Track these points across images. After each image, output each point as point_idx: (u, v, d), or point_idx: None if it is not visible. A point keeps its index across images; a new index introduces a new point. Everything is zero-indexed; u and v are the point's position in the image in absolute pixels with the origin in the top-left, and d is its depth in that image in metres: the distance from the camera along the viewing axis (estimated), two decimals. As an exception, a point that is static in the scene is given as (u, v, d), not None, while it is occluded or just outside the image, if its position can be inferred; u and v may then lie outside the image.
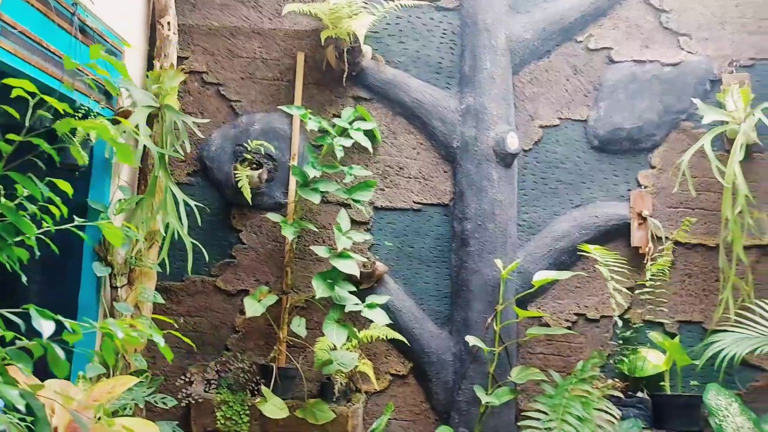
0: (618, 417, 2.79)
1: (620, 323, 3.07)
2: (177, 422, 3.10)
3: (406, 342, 3.18)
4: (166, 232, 2.93)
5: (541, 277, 3.01)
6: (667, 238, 3.21)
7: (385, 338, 3.14)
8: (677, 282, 3.27)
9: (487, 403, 2.93)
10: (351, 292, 3.09)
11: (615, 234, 3.28)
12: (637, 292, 3.19)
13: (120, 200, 3.05)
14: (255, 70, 3.48)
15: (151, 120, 3.06)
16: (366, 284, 3.28)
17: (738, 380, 3.18)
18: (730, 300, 2.99)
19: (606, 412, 2.75)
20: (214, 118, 3.46)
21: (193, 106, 3.48)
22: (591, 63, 3.40)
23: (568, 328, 3.27)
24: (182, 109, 3.43)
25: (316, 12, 3.21)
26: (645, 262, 3.18)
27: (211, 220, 3.39)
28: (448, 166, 3.40)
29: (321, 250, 2.90)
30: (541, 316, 3.28)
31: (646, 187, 3.31)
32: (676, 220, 3.29)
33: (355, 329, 2.95)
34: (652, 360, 3.09)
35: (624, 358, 3.14)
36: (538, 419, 2.74)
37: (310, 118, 2.98)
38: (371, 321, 3.07)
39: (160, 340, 1.79)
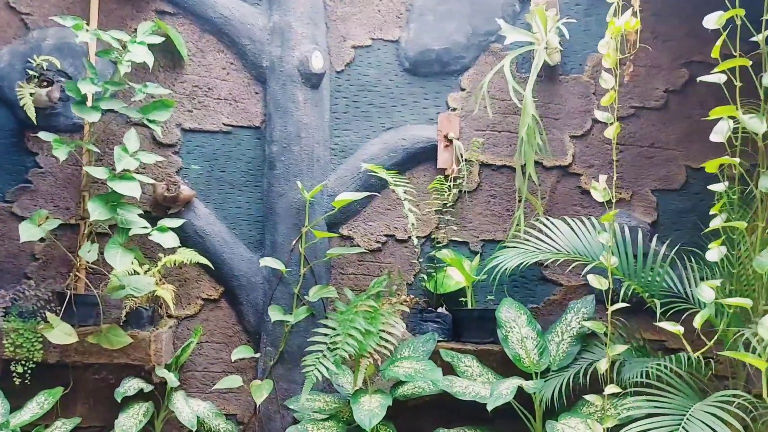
0: (402, 329, 2.90)
1: (416, 242, 3.15)
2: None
3: (211, 266, 3.15)
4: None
5: (339, 198, 3.03)
6: (468, 160, 3.29)
7: (189, 262, 3.10)
8: (483, 203, 3.37)
9: (284, 322, 2.97)
10: (153, 217, 3.03)
11: (423, 156, 3.32)
12: (444, 212, 3.27)
13: None
14: (48, -20, 3.22)
15: None
16: (175, 209, 3.20)
17: (537, 295, 3.36)
18: (521, 217, 3.12)
19: (392, 325, 2.84)
20: (3, 32, 3.20)
21: (-25, 19, 3.19)
22: (402, -18, 3.35)
23: (378, 249, 3.33)
24: (-34, 22, 3.15)
25: None
26: (449, 183, 3.25)
27: (3, 142, 3.18)
28: (259, 88, 3.31)
29: (98, 171, 2.77)
30: (351, 237, 3.32)
31: (455, 109, 3.35)
32: (483, 142, 3.36)
33: (141, 253, 2.88)
34: (454, 277, 3.20)
35: (431, 276, 3.25)
36: (326, 334, 2.80)
37: (87, 30, 2.78)
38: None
39: None
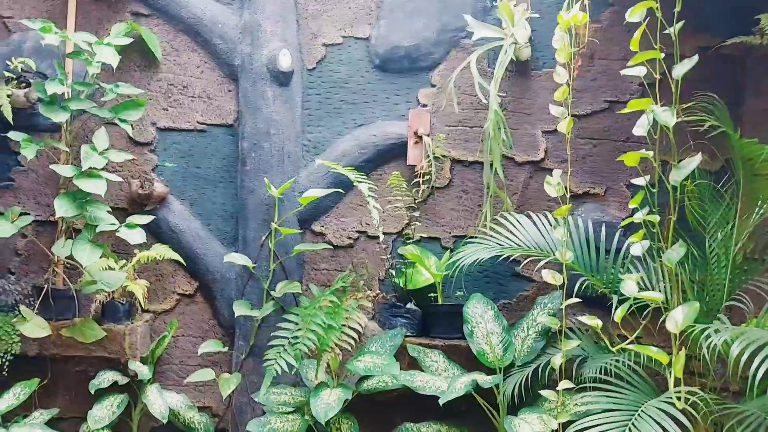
0: (363, 325, 2.93)
1: (382, 238, 3.17)
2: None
3: (183, 262, 3.23)
4: None
5: (306, 194, 3.06)
6: (439, 156, 3.30)
7: (162, 258, 3.17)
8: (454, 199, 3.37)
9: (251, 317, 3.03)
10: (130, 213, 3.12)
11: (393, 153, 3.33)
12: (415, 208, 3.29)
13: None
14: (28, -16, 3.32)
15: None
16: (150, 206, 3.28)
17: (509, 291, 3.36)
18: (489, 212, 3.12)
19: (355, 321, 2.87)
20: (-15, 35, 3.31)
21: (-39, 23, 3.31)
22: (373, -21, 3.37)
23: (350, 245, 3.36)
24: (-49, 26, 3.26)
25: None
26: (418, 180, 3.27)
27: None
28: (232, 86, 3.36)
29: (64, 170, 2.85)
30: (323, 233, 3.36)
31: (425, 105, 3.36)
32: (455, 138, 3.37)
33: (107, 248, 2.96)
34: (424, 273, 3.22)
35: (400, 272, 3.27)
36: (288, 329, 2.84)
37: (55, 33, 2.86)
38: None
39: None
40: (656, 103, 2.26)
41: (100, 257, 2.87)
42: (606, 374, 2.58)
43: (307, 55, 3.35)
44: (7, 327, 3.03)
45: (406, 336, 3.13)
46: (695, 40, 3.06)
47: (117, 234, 2.91)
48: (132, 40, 3.12)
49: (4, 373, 3.01)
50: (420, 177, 3.26)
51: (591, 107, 3.33)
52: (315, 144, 3.37)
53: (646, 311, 2.56)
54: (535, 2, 3.30)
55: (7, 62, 3.14)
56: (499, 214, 3.10)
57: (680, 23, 2.26)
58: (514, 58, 3.23)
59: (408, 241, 3.29)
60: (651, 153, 2.21)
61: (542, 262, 2.73)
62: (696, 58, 2.32)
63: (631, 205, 2.34)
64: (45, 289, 3.08)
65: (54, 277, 3.18)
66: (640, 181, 2.31)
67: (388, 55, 3.32)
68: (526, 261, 3.09)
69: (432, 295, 3.23)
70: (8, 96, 3.06)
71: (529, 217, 3.00)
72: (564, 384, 2.49)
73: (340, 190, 3.23)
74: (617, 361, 2.64)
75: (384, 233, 3.34)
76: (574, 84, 3.27)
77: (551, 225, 2.91)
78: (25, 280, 3.25)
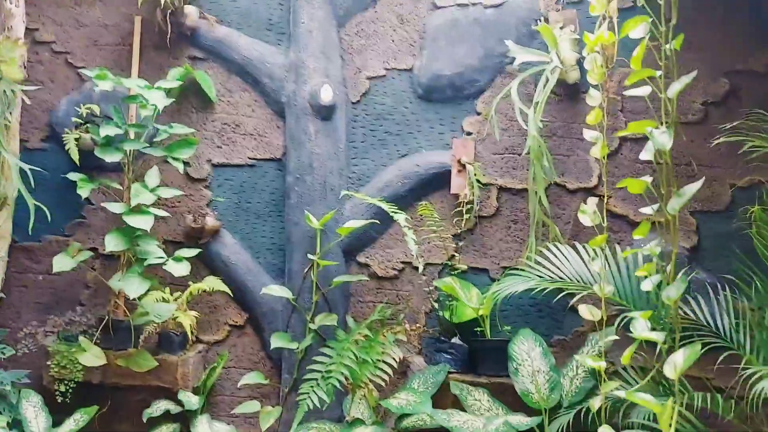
0: (398, 360, 2.84)
1: (421, 269, 3.10)
2: (30, 371, 3.35)
3: (230, 293, 3.30)
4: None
5: (345, 225, 3.06)
6: (483, 184, 3.20)
7: (211, 290, 3.27)
8: (503, 228, 3.25)
9: (292, 349, 3.03)
10: (187, 247, 3.27)
11: (437, 182, 3.27)
12: (461, 238, 3.20)
13: (-44, 167, 3.25)
14: (98, 37, 3.59)
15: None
16: (204, 239, 3.40)
17: (565, 325, 3.17)
18: (533, 243, 2.97)
19: (390, 355, 2.80)
20: (63, 85, 3.60)
21: (44, 75, 3.62)
22: (416, 11, 3.36)
23: (395, 276, 3.31)
24: (35, 79, 3.59)
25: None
26: (461, 209, 3.18)
27: (63, 182, 3.55)
28: (280, 122, 3.45)
29: (115, 207, 3.02)
30: (368, 265, 3.33)
31: (470, 134, 3.28)
32: (502, 165, 3.26)
33: (156, 281, 3.08)
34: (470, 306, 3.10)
35: (446, 305, 3.17)
36: (322, 363, 2.82)
37: (110, 79, 3.07)
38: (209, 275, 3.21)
39: None
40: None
41: (151, 289, 2.98)
42: (654, 420, 2.34)
43: (351, 89, 3.38)
44: (71, 356, 3.22)
45: (450, 372, 3.01)
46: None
47: (164, 267, 3.03)
48: (181, 83, 3.29)
49: (67, 399, 3.19)
50: (463, 206, 3.17)
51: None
52: (359, 176, 3.37)
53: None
54: (584, 22, 3.16)
55: (76, 108, 3.40)
56: (543, 244, 2.95)
57: (679, 37, 2.07)
58: (561, 82, 3.09)
59: (453, 273, 3.19)
60: (650, 179, 2.01)
61: (578, 296, 2.55)
62: (693, 74, 2.14)
63: (635, 236, 2.13)
64: (105, 320, 3.25)
65: (115, 308, 3.35)
66: (647, 210, 2.11)
67: (431, 85, 3.28)
68: (582, 294, 2.91)
69: (478, 329, 3.10)
70: (76, 139, 3.32)
71: (573, 247, 2.82)
72: (604, 430, 2.27)
73: (376, 221, 3.21)
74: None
75: (429, 264, 3.28)
76: (629, 106, 3.11)
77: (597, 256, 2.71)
78: (92, 312, 3.45)
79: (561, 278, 2.70)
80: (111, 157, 3.05)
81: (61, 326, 3.35)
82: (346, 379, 2.70)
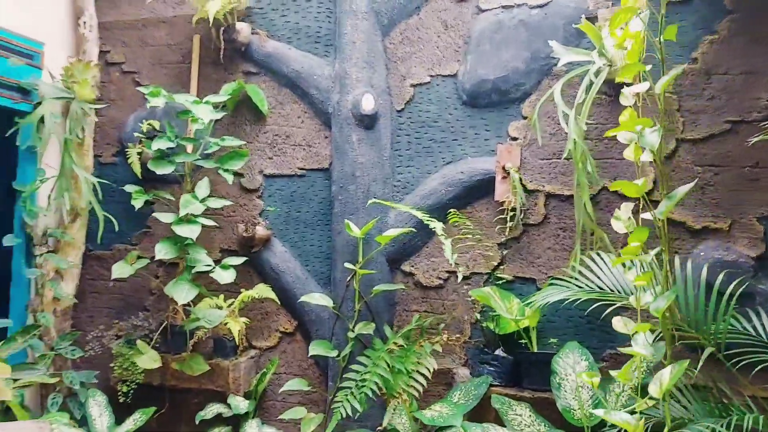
0: (432, 370, 2.78)
1: (460, 278, 3.02)
2: (99, 372, 3.58)
3: (277, 301, 3.37)
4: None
5: (385, 234, 3.04)
6: (529, 190, 3.08)
7: (260, 297, 3.35)
8: (551, 236, 3.12)
9: (331, 357, 3.05)
10: (236, 254, 3.38)
11: (481, 189, 3.19)
12: (508, 247, 3.10)
13: (36, 181, 3.53)
14: (162, 56, 3.80)
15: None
16: (256, 248, 3.50)
17: (618, 338, 2.99)
18: (578, 251, 2.83)
19: (425, 366, 2.75)
20: (130, 103, 3.84)
21: (115, 94, 3.88)
22: (461, 16, 3.31)
23: (440, 285, 3.26)
24: (107, 98, 3.86)
25: (186, -3, 3.47)
26: (505, 216, 3.08)
27: (131, 195, 3.78)
28: (328, 132, 3.49)
29: (165, 217, 3.16)
30: (412, 274, 3.30)
31: (516, 139, 3.18)
32: (549, 171, 3.13)
33: (203, 288, 3.19)
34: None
35: (490, 315, 3.09)
36: (358, 372, 2.81)
37: (163, 95, 3.23)
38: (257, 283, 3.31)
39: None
40: None
41: (201, 296, 3.10)
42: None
43: (396, 97, 3.38)
44: (131, 359, 3.40)
45: (493, 385, 2.93)
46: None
47: (211, 275, 3.14)
48: (229, 97, 3.41)
49: (128, 400, 3.37)
50: (507, 213, 3.07)
51: (709, 130, 2.89)
52: (404, 184, 3.35)
53: None
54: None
55: (139, 124, 3.61)
56: (587, 253, 2.80)
57: (669, 28, 1.90)
58: (611, 81, 2.94)
59: (497, 282, 3.10)
60: (642, 180, 1.85)
61: (612, 307, 2.39)
62: (682, 67, 1.96)
63: (631, 242, 1.95)
64: (164, 325, 3.42)
65: (174, 314, 3.51)
66: (647, 215, 1.94)
67: (475, 90, 3.21)
68: (617, 305, 2.74)
69: (523, 341, 2.99)
70: (138, 154, 3.52)
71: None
72: (641, 451, 2.12)
73: (413, 229, 3.17)
74: (726, 426, 2.20)
75: (474, 273, 3.20)
76: (686, 105, 2.92)
77: (644, 266, 2.54)
78: (154, 317, 3.63)
79: (601, 288, 2.55)
80: (162, 170, 3.21)
81: (126, 330, 3.54)
82: (380, 388, 2.68)
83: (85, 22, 3.79)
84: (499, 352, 3.00)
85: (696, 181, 2.02)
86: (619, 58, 2.91)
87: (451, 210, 3.11)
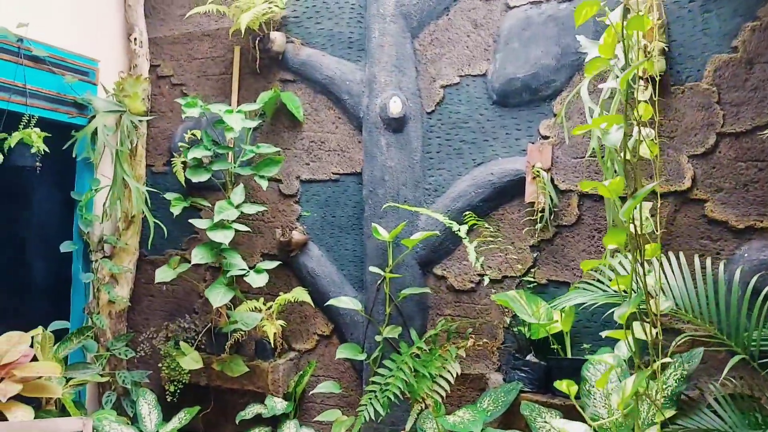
0: (456, 374, 2.74)
1: (486, 282, 2.96)
2: (151, 372, 3.77)
3: (312, 304, 3.42)
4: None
5: (413, 237, 3.03)
6: (561, 190, 2.98)
7: (295, 300, 3.41)
8: (585, 238, 3.01)
9: (361, 360, 3.06)
10: (275, 258, 3.48)
11: (512, 190, 3.12)
12: (541, 249, 3.02)
13: (90, 190, 3.75)
14: (207, 68, 3.95)
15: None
16: (294, 252, 3.58)
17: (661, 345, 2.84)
18: (607, 253, 2.71)
19: (448, 371, 2.72)
20: (179, 114, 4.00)
21: (165, 106, 4.06)
22: (490, 14, 3.24)
23: (472, 289, 3.21)
24: (158, 110, 4.05)
25: (221, 10, 3.58)
26: (535, 218, 3.00)
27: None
28: (360, 136, 3.51)
29: (201, 223, 3.27)
30: (444, 277, 3.27)
31: (547, 137, 3.08)
32: (583, 170, 3.02)
33: (239, 292, 3.29)
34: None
35: (522, 320, 3.01)
36: (383, 375, 2.81)
37: (200, 106, 3.35)
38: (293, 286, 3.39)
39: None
40: None
41: (237, 299, 3.20)
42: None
43: (426, 99, 3.36)
44: (178, 358, 3.55)
45: (523, 391, 2.85)
46: None
47: (245, 278, 3.23)
48: (261, 105, 3.50)
49: (175, 399, 3.52)
50: (536, 214, 2.99)
51: (753, 122, 2.70)
52: (435, 187, 3.33)
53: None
54: (672, 7, 2.85)
55: (183, 134, 3.76)
56: (621, 254, 2.68)
57: (632, 20, 1.76)
58: (646, 75, 2.80)
59: (529, 286, 3.02)
60: (614, 180, 1.73)
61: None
62: (642, 60, 1.81)
63: (607, 244, 1.82)
64: (207, 327, 3.55)
65: (218, 317, 3.64)
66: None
67: (505, 89, 3.15)
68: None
69: (555, 347, 2.90)
70: (182, 163, 3.67)
71: (667, 257, 2.53)
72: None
73: (437, 232, 3.14)
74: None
75: (506, 277, 3.14)
76: (727, 97, 2.75)
77: (673, 270, 2.41)
78: (201, 320, 3.78)
79: (626, 292, 2.43)
80: (198, 178, 3.34)
81: (175, 332, 3.70)
82: (403, 393, 2.67)
83: (135, 39, 3.99)
84: (530, 357, 2.92)
85: (657, 183, 1.85)
86: (653, 49, 2.78)
87: (468, 212, 3.06)
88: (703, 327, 2.29)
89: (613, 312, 2.51)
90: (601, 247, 2.98)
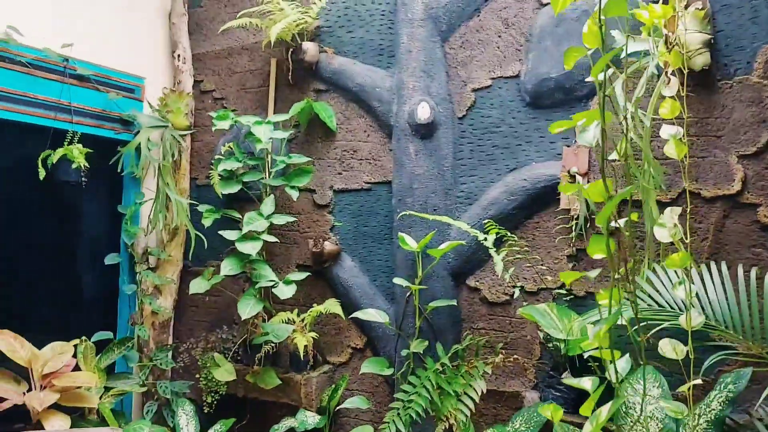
0: (480, 392, 2.58)
1: (517, 294, 2.79)
2: (192, 383, 3.81)
3: (343, 316, 3.35)
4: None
5: (440, 247, 2.91)
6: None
7: (325, 312, 3.35)
8: (627, 247, 2.79)
9: (388, 375, 2.96)
10: (309, 269, 3.44)
11: (546, 197, 2.94)
12: (575, 259, 2.84)
13: (134, 204, 3.85)
14: (246, 81, 3.99)
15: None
16: (327, 263, 3.53)
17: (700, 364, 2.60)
18: (645, 263, 2.49)
19: (473, 388, 2.57)
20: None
21: (208, 120, 4.13)
22: (522, 12, 3.09)
23: (507, 302, 3.05)
24: (201, 124, 4.12)
25: (258, 24, 3.60)
26: (571, 226, 2.81)
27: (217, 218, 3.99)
28: (392, 144, 3.43)
29: (230, 234, 3.27)
30: (478, 289, 3.12)
31: (583, 140, 2.89)
32: (622, 174, 2.81)
33: (268, 303, 3.25)
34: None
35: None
36: (406, 392, 2.70)
37: (230, 118, 3.37)
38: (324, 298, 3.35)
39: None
40: None
41: (268, 311, 3.18)
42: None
43: (457, 104, 3.24)
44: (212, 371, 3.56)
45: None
46: None
47: (273, 290, 3.20)
48: (291, 116, 3.49)
49: (212, 410, 3.53)
50: (573, 222, 2.80)
51: (807, 115, 2.43)
52: (467, 195, 3.19)
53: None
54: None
55: (221, 147, 3.80)
56: (661, 264, 2.46)
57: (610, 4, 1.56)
58: (685, 70, 2.58)
59: (566, 298, 2.83)
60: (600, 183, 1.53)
61: (656, 328, 2.07)
62: (616, 50, 1.59)
63: (591, 254, 1.62)
64: (243, 339, 3.55)
65: (254, 328, 3.63)
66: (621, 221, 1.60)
67: (538, 90, 2.99)
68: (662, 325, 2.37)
69: (592, 364, 2.69)
70: (219, 175, 3.70)
71: (708, 267, 2.31)
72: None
73: (462, 242, 2.99)
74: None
75: (542, 289, 2.96)
76: (781, 88, 2.49)
77: (713, 280, 2.19)
78: (239, 331, 3.78)
79: (660, 306, 2.22)
80: (228, 189, 3.35)
81: (213, 343, 3.72)
82: (426, 411, 2.55)
83: (179, 55, 4.08)
84: (566, 376, 2.73)
85: (631, 187, 1.65)
86: (693, 42, 2.56)
87: (490, 221, 2.90)
88: (744, 344, 2.05)
89: (664, 328, 2.31)
90: (642, 257, 2.75)
